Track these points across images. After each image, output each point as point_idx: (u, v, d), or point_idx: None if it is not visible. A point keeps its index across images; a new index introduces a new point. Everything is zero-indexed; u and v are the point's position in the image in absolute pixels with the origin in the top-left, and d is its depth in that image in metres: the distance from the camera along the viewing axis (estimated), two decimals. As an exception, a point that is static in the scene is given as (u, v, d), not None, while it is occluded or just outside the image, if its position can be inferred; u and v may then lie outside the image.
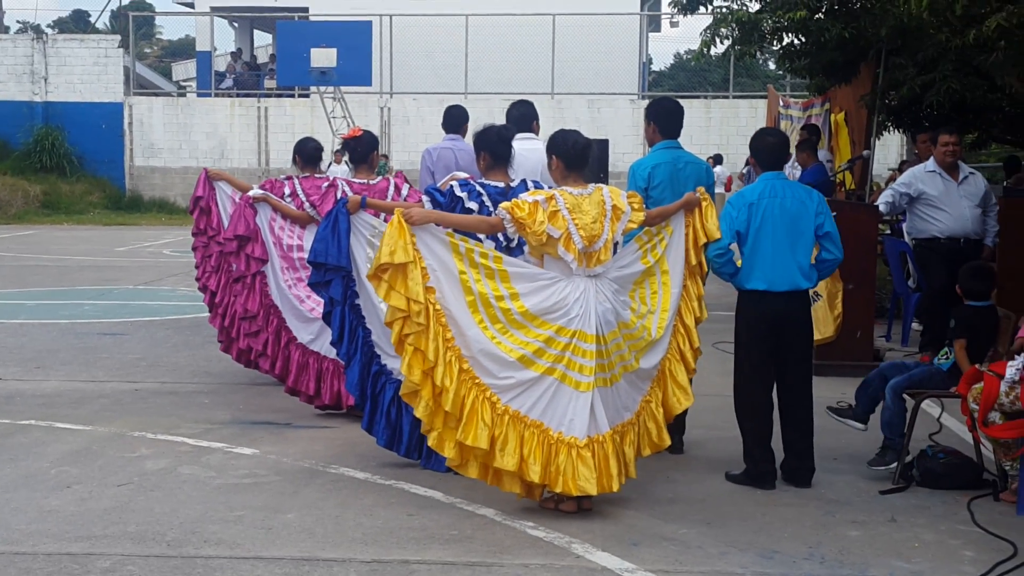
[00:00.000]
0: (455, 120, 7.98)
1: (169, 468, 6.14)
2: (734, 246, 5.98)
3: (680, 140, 6.69)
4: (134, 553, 4.82)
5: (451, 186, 5.90)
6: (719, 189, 22.32)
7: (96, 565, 4.66)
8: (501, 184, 5.96)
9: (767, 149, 6.19)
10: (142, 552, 4.83)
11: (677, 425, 6.49)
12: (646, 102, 7.08)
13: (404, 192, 7.34)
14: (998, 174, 16.52)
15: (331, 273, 5.99)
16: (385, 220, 6.56)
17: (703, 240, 5.90)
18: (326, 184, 7.63)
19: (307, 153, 8.04)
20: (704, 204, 5.94)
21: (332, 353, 6.93)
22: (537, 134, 7.48)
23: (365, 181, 7.40)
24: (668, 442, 5.84)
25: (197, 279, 8.39)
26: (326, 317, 6.15)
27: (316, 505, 5.52)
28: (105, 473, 6.03)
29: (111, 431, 6.92)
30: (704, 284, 6.09)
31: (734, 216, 5.98)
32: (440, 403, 5.34)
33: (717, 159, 24.25)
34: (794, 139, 14.73)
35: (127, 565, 4.67)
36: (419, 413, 5.40)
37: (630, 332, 5.57)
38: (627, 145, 26.95)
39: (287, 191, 7.69)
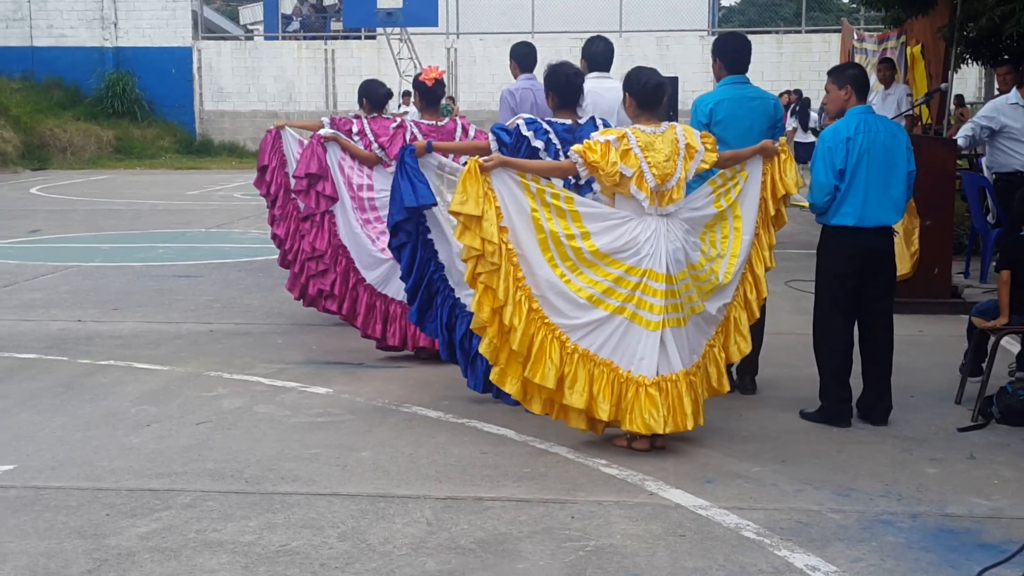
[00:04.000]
0: (528, 60, 7.88)
1: (245, 407, 6.23)
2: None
3: (750, 77, 6.55)
4: (213, 489, 4.90)
5: (517, 125, 5.86)
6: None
7: (177, 500, 4.75)
8: (568, 121, 5.90)
9: (856, 79, 6.03)
10: (221, 488, 4.91)
11: (750, 366, 6.45)
12: (715, 38, 6.92)
13: (471, 133, 7.30)
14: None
15: (414, 214, 6.00)
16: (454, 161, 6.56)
17: (781, 192, 5.79)
18: (394, 125, 7.60)
19: (376, 98, 7.98)
20: (783, 156, 5.82)
21: (400, 295, 6.95)
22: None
23: (433, 123, 7.36)
24: (727, 388, 5.79)
25: (272, 237, 8.38)
26: (396, 253, 6.16)
27: (390, 443, 5.57)
28: (183, 412, 6.13)
29: (188, 371, 7.02)
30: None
31: (834, 153, 5.84)
32: (508, 341, 5.35)
33: (803, 101, 22.45)
34: (870, 72, 14.42)
35: (207, 500, 4.75)
36: (483, 349, 5.44)
37: (698, 274, 5.52)
38: (697, 83, 26.55)
39: (355, 129, 7.67)
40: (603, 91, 6.85)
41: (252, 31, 39.19)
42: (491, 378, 5.52)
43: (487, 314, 5.36)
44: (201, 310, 9.10)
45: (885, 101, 13.13)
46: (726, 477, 5.08)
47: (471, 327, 5.63)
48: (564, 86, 5.93)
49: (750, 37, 6.95)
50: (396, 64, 26.66)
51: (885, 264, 5.90)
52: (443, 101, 9.12)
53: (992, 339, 6.14)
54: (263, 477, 5.07)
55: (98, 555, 4.18)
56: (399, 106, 21.96)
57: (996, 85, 11.28)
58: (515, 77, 7.70)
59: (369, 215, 7.53)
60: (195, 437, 5.66)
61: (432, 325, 6.18)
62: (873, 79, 13.99)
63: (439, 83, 7.37)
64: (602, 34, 7.46)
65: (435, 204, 5.99)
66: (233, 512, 4.62)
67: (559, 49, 20.23)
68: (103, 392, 6.53)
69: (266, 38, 34.30)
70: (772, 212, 5.84)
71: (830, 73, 6.07)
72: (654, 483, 4.98)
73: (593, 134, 5.52)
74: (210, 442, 5.59)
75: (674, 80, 13.58)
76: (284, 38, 32.03)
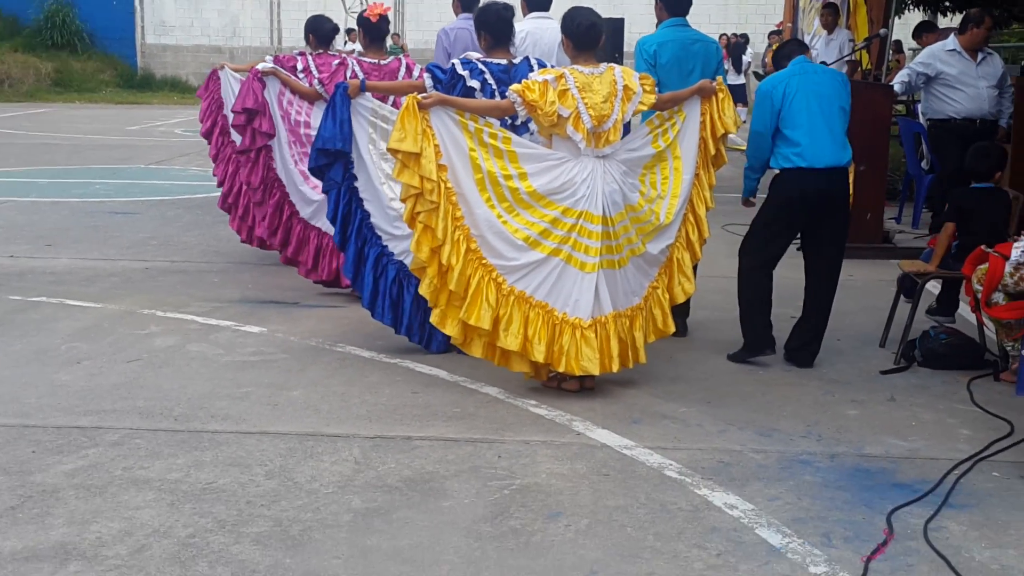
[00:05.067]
0: None
1: (178, 345, 6.21)
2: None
3: (697, 20, 6.56)
4: (142, 427, 4.90)
5: (452, 64, 5.84)
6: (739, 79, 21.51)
7: (104, 438, 4.75)
8: (504, 62, 5.89)
9: (787, 50, 6.14)
10: (150, 426, 4.92)
11: (681, 308, 6.51)
12: (657, -20, 6.90)
13: (415, 73, 7.25)
14: (1021, 54, 16.24)
15: (333, 157, 5.97)
16: (395, 104, 6.52)
17: (720, 131, 5.83)
18: (336, 62, 7.54)
19: (322, 33, 7.88)
20: (720, 95, 5.85)
21: (332, 229, 6.95)
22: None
23: (375, 61, 7.31)
24: (672, 329, 5.86)
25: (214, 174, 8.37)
26: (324, 194, 6.15)
27: (322, 382, 5.59)
28: (115, 350, 6.10)
29: (121, 308, 6.98)
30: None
31: (770, 97, 5.90)
32: (445, 281, 5.37)
33: (743, 40, 23.26)
34: (813, 17, 14.47)
35: (135, 439, 4.76)
36: (423, 290, 5.44)
37: (637, 215, 5.55)
38: (644, 25, 26.32)
39: (299, 66, 7.59)
40: (542, 31, 6.84)
41: (196, -37, 38.45)
42: (431, 320, 5.52)
43: (426, 254, 5.35)
44: (137, 247, 9.03)
45: (828, 46, 13.20)
46: (652, 418, 5.16)
47: (410, 269, 5.63)
48: (495, 24, 5.91)
49: (699, -20, 6.95)
50: (343, 0, 26.31)
51: (838, 207, 5.92)
52: (389, 40, 9.05)
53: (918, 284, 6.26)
54: (192, 415, 5.08)
55: (22, 491, 4.18)
56: (344, 43, 21.71)
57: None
58: (456, 15, 7.67)
59: (307, 149, 7.48)
60: (126, 375, 5.65)
61: (362, 280, 6.15)
62: (816, 24, 14.06)
63: (383, 19, 7.31)
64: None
65: (348, 152, 5.95)
66: (161, 450, 4.64)
67: (506, -13, 20.10)
68: (34, 329, 6.48)
69: (210, -30, 33.71)
70: (712, 152, 5.87)
71: None
72: (581, 423, 5.05)
73: (531, 74, 5.51)
74: (140, 380, 5.58)
75: (619, 22, 13.53)
76: (229, -29, 31.49)
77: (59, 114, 23.53)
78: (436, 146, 5.31)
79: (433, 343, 6.05)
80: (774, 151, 5.92)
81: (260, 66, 7.58)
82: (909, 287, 6.40)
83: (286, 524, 3.95)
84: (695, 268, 6.25)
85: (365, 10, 7.38)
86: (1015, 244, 5.60)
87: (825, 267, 5.98)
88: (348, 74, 7.21)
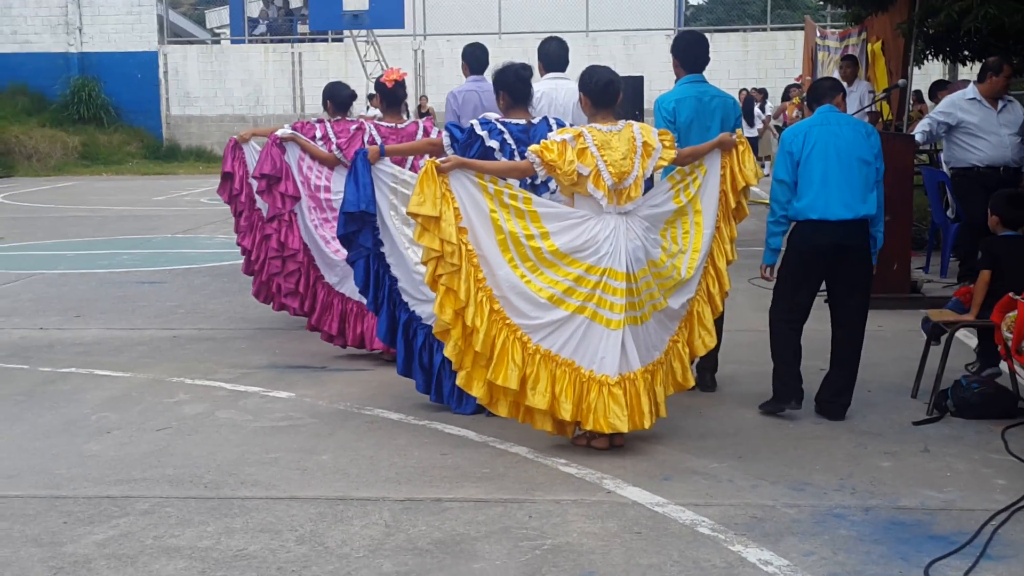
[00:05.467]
0: (478, 61, 7.90)
1: (207, 412, 6.22)
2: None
3: (716, 75, 6.60)
4: (172, 495, 4.90)
5: (471, 124, 5.88)
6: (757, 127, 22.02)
7: (135, 507, 4.75)
8: (523, 121, 5.93)
9: (820, 90, 6.15)
10: (180, 494, 4.92)
11: (710, 363, 6.49)
12: (674, 37, 6.95)
13: (432, 135, 7.31)
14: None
15: (361, 222, 6.01)
16: (413, 166, 6.58)
17: (741, 184, 5.85)
18: (354, 127, 7.62)
19: (340, 100, 7.96)
20: (741, 148, 5.87)
21: (356, 295, 6.96)
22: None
23: (393, 125, 7.38)
24: (692, 383, 5.83)
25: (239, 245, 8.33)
26: (351, 263, 6.18)
27: (350, 446, 5.58)
28: (144, 418, 6.12)
29: (150, 377, 7.01)
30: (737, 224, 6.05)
31: (791, 146, 5.92)
32: (471, 343, 5.37)
33: (758, 94, 23.70)
34: (832, 69, 14.52)
35: (165, 507, 4.75)
36: (448, 353, 5.45)
37: (659, 271, 5.55)
38: (663, 82, 26.41)
39: (318, 134, 7.67)
40: (557, 91, 6.90)
41: (219, 35, 39.11)
42: (457, 383, 5.52)
43: (450, 316, 5.36)
44: (164, 316, 9.08)
45: (848, 98, 13.23)
46: (683, 474, 5.12)
47: (434, 332, 5.64)
48: (514, 84, 5.96)
49: (717, 35, 7.09)
50: (363, 66, 26.64)
51: (854, 259, 5.90)
52: (416, 103, 9.14)
53: (947, 333, 6.21)
54: (222, 482, 5.07)
55: (54, 563, 4.18)
56: (367, 108, 21.95)
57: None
58: (466, 78, 7.76)
59: (328, 215, 7.54)
60: (155, 443, 5.66)
61: (401, 345, 6.16)
62: (836, 76, 14.11)
63: (399, 85, 7.40)
64: (568, 34, 7.52)
65: (373, 213, 5.98)
66: (191, 518, 4.63)
67: (526, 49, 20.23)
68: (63, 400, 6.51)
69: (232, 42, 34.23)
70: (732, 205, 5.89)
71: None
72: (612, 481, 5.01)
73: (550, 134, 5.55)
74: (170, 448, 5.58)
75: (638, 80, 13.64)
76: (251, 41, 31.96)
77: (86, 187, 23.81)
78: (456, 209, 5.34)
79: (465, 405, 6.03)
80: (792, 203, 5.92)
81: (279, 132, 7.67)
82: (931, 330, 6.35)
83: (317, 590, 3.93)
84: (721, 321, 6.24)
85: (381, 76, 7.48)
86: (1044, 290, 5.56)
87: (849, 318, 5.95)
88: (366, 139, 7.29)
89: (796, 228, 5.97)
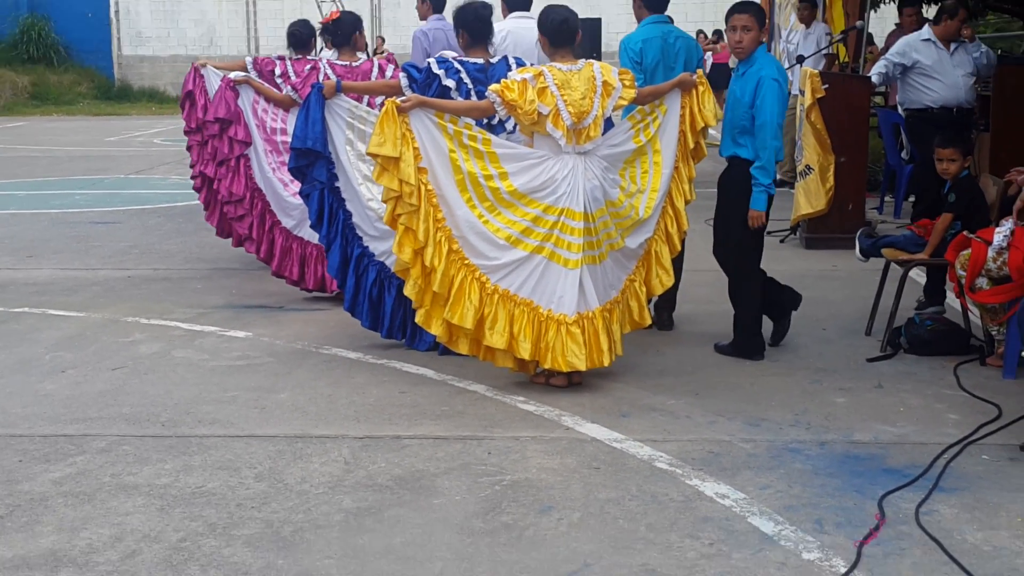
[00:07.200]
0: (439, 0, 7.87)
1: (163, 352, 6.18)
2: None
3: (675, 16, 6.56)
4: (129, 433, 4.88)
5: (428, 63, 5.83)
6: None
7: (92, 445, 4.72)
8: (480, 61, 5.88)
9: None
10: (137, 432, 4.89)
11: (667, 302, 6.52)
12: (633, -22, 6.89)
13: (388, 73, 7.24)
14: (996, 45, 16.29)
15: (311, 157, 5.94)
16: (370, 104, 6.52)
17: (700, 124, 5.83)
18: (308, 67, 7.53)
19: (298, 37, 7.84)
20: (701, 89, 5.84)
21: (315, 238, 6.91)
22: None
23: (347, 63, 7.31)
24: (649, 321, 5.86)
25: (192, 177, 8.18)
26: (306, 199, 6.12)
27: (309, 384, 5.57)
28: (99, 358, 6.07)
29: (104, 317, 6.95)
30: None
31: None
32: (429, 282, 5.36)
33: (718, 35, 23.56)
34: (790, 12, 14.50)
35: (122, 445, 4.73)
36: (408, 291, 5.43)
37: (617, 210, 5.55)
38: (620, 25, 26.48)
39: (277, 71, 7.57)
40: (523, 30, 6.82)
41: (171, -27, 38.34)
42: (416, 320, 5.52)
43: (409, 255, 5.35)
44: (119, 256, 8.99)
45: (806, 40, 13.22)
46: (641, 411, 5.16)
47: (394, 270, 5.63)
48: (473, 23, 5.91)
49: (675, -24, 6.94)
50: (319, 7, 26.23)
51: None
52: (375, 44, 9.01)
53: (901, 271, 6.27)
54: (180, 421, 5.05)
55: (10, 500, 4.15)
56: (320, 48, 21.67)
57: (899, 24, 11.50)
58: (422, 16, 7.69)
59: (284, 157, 7.44)
60: (111, 383, 5.62)
61: (351, 281, 6.13)
62: (793, 18, 14.09)
63: (338, 21, 7.37)
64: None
65: (319, 151, 5.90)
66: (149, 456, 4.61)
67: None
68: (17, 339, 6.44)
69: (185, -20, 33.61)
70: (691, 145, 5.87)
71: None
72: (571, 418, 5.04)
73: (510, 73, 5.51)
74: (126, 387, 5.55)
75: (596, 22, 13.60)
76: (204, -20, 31.40)
77: (37, 127, 23.42)
78: (416, 149, 5.30)
79: (419, 342, 6.04)
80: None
81: (232, 75, 7.56)
82: (868, 248, 6.47)
83: (277, 526, 3.93)
84: (680, 261, 6.26)
85: (325, 17, 7.44)
86: (997, 229, 5.62)
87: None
88: (320, 77, 7.20)
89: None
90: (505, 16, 7.08)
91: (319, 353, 6.14)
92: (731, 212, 5.93)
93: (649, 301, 6.01)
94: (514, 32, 6.90)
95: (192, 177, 8.14)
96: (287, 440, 4.79)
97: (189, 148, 8.03)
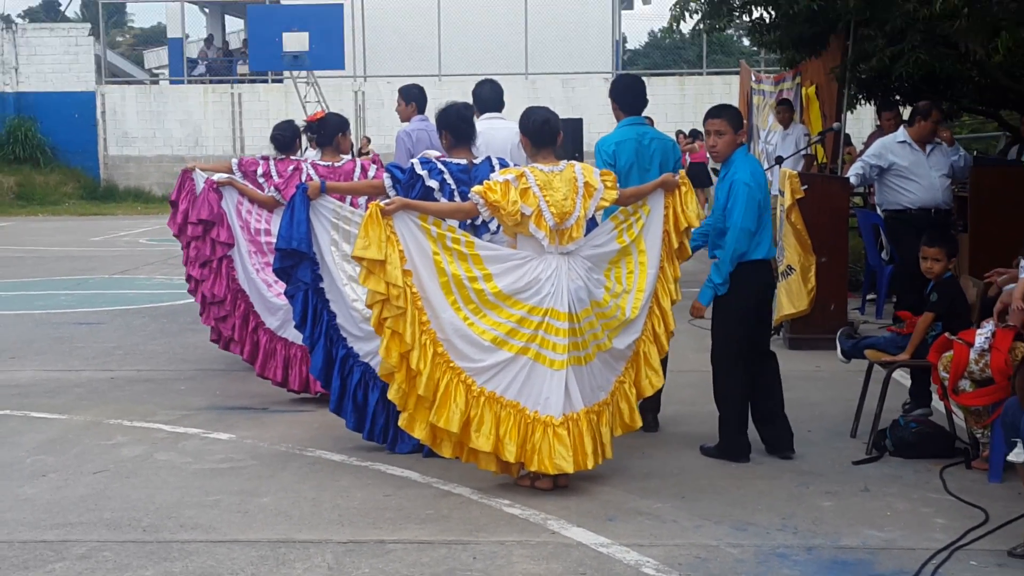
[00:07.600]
0: (422, 100, 8.00)
1: (145, 455, 6.14)
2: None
3: (654, 118, 6.67)
4: (110, 539, 4.82)
5: (411, 164, 5.89)
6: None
7: (72, 551, 4.66)
8: (463, 161, 5.95)
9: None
10: (118, 538, 4.83)
11: (652, 403, 6.51)
12: (612, 81, 7.04)
13: (371, 173, 7.33)
14: (972, 146, 16.58)
15: (296, 258, 5.98)
16: (353, 204, 6.58)
17: (684, 225, 5.89)
18: (291, 167, 7.62)
19: (282, 140, 7.93)
20: (683, 189, 5.91)
21: (299, 339, 6.91)
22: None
23: (330, 163, 7.40)
24: (640, 423, 5.85)
25: (186, 280, 8.18)
26: (291, 300, 6.14)
27: (292, 488, 5.53)
28: (81, 461, 6.02)
29: (87, 419, 6.90)
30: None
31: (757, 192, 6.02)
32: (414, 386, 5.35)
33: (694, 135, 24.00)
34: (768, 114, 14.76)
35: (103, 551, 4.67)
36: (392, 395, 5.41)
37: (603, 311, 5.58)
38: (602, 124, 26.56)
39: (260, 170, 7.66)
40: (494, 131, 6.92)
41: (157, 75, 38.86)
42: (399, 424, 5.50)
43: (395, 359, 5.33)
44: (102, 357, 8.96)
45: (784, 141, 13.47)
46: (627, 514, 5.12)
47: (380, 375, 5.61)
48: (456, 123, 5.99)
49: (654, 79, 7.12)
50: (303, 107, 26.51)
51: (770, 297, 6.05)
52: (360, 143, 9.14)
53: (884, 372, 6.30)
54: (161, 525, 5.00)
55: (-12, 610, 4.09)
56: (305, 149, 21.87)
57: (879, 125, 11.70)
58: (403, 117, 7.82)
59: (269, 258, 7.47)
60: (92, 486, 5.57)
61: (336, 382, 6.12)
62: (772, 119, 14.33)
63: (322, 122, 7.48)
64: (508, 76, 7.59)
65: (305, 252, 5.94)
66: (129, 562, 4.55)
67: (465, 91, 20.32)
68: (-2, 443, 6.39)
69: (171, 82, 34.00)
70: (675, 245, 5.91)
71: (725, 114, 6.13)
72: (556, 522, 5.01)
73: (492, 174, 5.57)
74: (108, 491, 5.49)
75: (578, 122, 13.78)
76: (190, 82, 31.77)
77: (22, 227, 23.47)
78: (400, 252, 5.33)
79: (400, 444, 6.01)
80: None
81: (215, 176, 7.64)
82: (849, 350, 6.53)
83: (260, 634, 3.88)
84: (665, 363, 6.27)
85: (310, 116, 7.56)
86: (978, 331, 5.66)
87: (772, 359, 6.20)
88: (303, 178, 7.28)
89: (741, 268, 5.97)
90: (477, 117, 7.20)
91: (303, 455, 6.10)
92: (714, 310, 5.99)
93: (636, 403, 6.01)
94: (484, 133, 6.98)
95: (186, 279, 8.16)
96: (270, 545, 4.73)
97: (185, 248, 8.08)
